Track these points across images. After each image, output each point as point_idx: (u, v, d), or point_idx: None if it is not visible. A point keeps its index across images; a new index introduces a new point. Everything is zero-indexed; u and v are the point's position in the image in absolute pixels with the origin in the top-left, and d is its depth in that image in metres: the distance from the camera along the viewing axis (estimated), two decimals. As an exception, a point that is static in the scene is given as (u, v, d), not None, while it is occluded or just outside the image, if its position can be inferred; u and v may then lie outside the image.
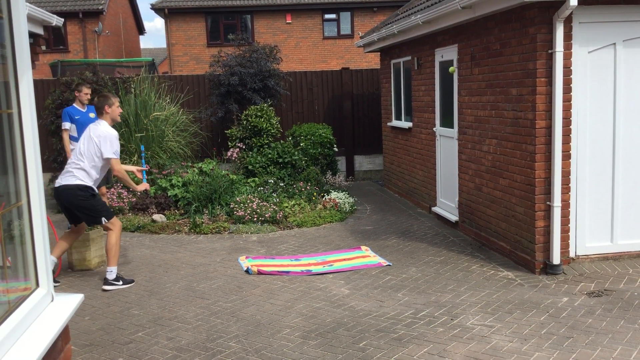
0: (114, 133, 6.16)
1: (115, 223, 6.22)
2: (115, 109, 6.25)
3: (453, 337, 4.64)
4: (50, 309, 2.42)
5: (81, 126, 8.04)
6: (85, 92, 8.22)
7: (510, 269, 6.33)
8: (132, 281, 6.30)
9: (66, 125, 8.20)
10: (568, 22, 5.89)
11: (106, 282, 6.18)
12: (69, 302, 2.50)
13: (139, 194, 9.55)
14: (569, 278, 5.95)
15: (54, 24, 8.06)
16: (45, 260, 2.47)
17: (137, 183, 7.08)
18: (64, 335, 2.50)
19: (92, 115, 8.21)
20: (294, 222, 8.69)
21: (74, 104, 8.30)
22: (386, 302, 5.47)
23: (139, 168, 6.83)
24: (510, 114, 6.48)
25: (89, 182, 6.05)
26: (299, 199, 9.45)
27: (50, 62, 16.83)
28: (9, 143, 2.39)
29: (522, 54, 6.17)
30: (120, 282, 6.21)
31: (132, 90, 10.94)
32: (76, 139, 8.05)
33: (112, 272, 6.19)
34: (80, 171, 6.04)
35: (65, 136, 8.24)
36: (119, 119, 6.43)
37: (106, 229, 6.23)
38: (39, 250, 2.45)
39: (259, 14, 23.45)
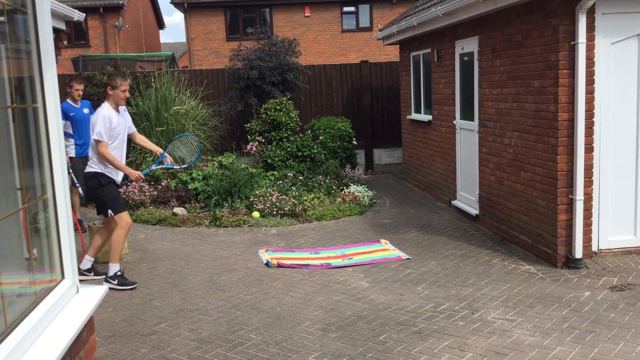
0: (105, 113, 5.81)
1: (123, 218, 5.96)
2: (118, 92, 5.88)
3: (473, 331, 4.62)
4: (75, 300, 2.46)
5: (76, 123, 7.99)
6: (76, 88, 8.04)
7: (532, 263, 6.28)
8: (132, 284, 5.95)
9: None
10: (591, 13, 5.80)
11: (105, 278, 6.03)
12: (94, 294, 2.54)
13: (159, 187, 9.64)
14: (591, 272, 5.89)
15: (75, 19, 8.14)
16: (70, 251, 2.51)
17: (153, 162, 6.76)
18: (89, 326, 2.54)
19: (86, 110, 8.15)
20: (313, 216, 8.70)
21: (67, 100, 8.05)
22: (406, 296, 5.47)
23: (159, 149, 6.43)
24: (532, 107, 6.41)
25: (99, 169, 5.90)
26: (318, 193, 9.47)
27: (72, 57, 17.02)
28: (35, 137, 2.43)
29: (544, 45, 6.09)
30: (115, 282, 5.92)
31: (153, 84, 11.03)
32: (71, 136, 8.02)
33: (111, 269, 5.97)
34: (93, 158, 5.94)
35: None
36: (123, 103, 6.02)
37: (111, 223, 6.06)
38: (64, 242, 2.49)
39: (277, 7, 23.45)
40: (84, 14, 8.69)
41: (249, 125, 11.58)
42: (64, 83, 11.70)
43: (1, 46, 2.41)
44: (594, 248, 6.18)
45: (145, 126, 10.49)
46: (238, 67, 12.04)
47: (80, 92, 8.10)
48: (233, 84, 12.11)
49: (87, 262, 6.31)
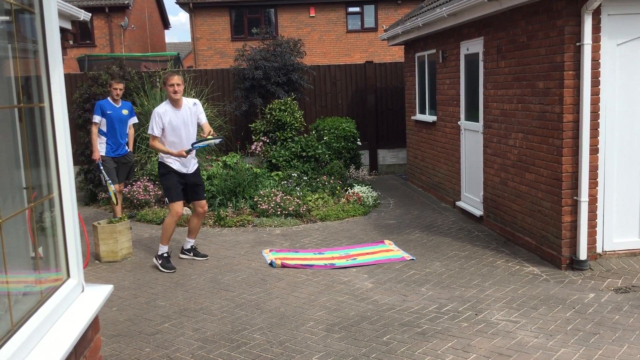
0: (158, 110, 6.33)
1: (174, 208, 6.48)
2: (167, 87, 6.33)
3: (477, 332, 4.62)
4: (80, 299, 2.47)
5: (111, 121, 7.95)
6: (115, 87, 7.98)
7: (536, 265, 6.28)
8: (172, 268, 6.47)
9: (96, 118, 7.92)
10: (597, 14, 5.79)
11: (155, 256, 6.73)
12: (99, 293, 2.55)
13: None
14: (595, 274, 5.87)
15: (81, 19, 8.16)
16: (76, 250, 2.53)
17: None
18: (94, 325, 2.55)
19: (125, 112, 8.10)
20: (318, 216, 8.71)
21: (108, 98, 8.09)
22: (410, 297, 5.47)
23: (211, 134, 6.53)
24: (537, 108, 6.40)
25: (160, 159, 6.53)
26: (323, 193, 9.47)
27: (77, 56, 17.07)
28: (41, 136, 2.44)
29: (550, 46, 6.08)
30: (160, 262, 6.55)
31: (158, 84, 11.05)
32: (104, 134, 7.99)
33: (159, 250, 6.61)
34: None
35: (94, 129, 7.97)
36: (173, 97, 6.30)
37: (196, 207, 6.74)
38: (70, 242, 2.50)
39: (282, 7, 23.47)
40: (90, 14, 8.72)
41: (253, 125, 11.60)
42: (70, 83, 11.78)
43: (8, 46, 2.43)
44: (599, 250, 6.16)
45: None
46: (243, 67, 12.06)
47: (119, 92, 8.02)
48: (238, 84, 12.13)
49: (187, 243, 6.93)
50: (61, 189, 2.44)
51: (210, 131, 6.52)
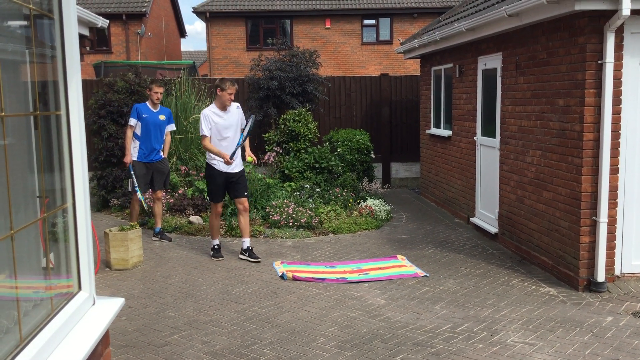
0: (205, 111, 6.94)
1: (214, 208, 7.26)
2: (224, 94, 6.88)
3: (493, 355, 4.51)
4: (91, 313, 2.41)
5: (146, 125, 7.79)
6: (155, 91, 7.84)
7: (552, 285, 6.15)
8: (220, 257, 7.22)
9: (132, 121, 7.79)
10: (619, 32, 5.70)
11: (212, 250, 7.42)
12: (110, 306, 2.48)
13: (176, 195, 9.64)
14: (613, 296, 5.74)
15: (99, 26, 8.16)
16: (88, 263, 2.47)
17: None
18: (104, 339, 2.49)
19: (162, 117, 7.94)
20: (330, 228, 8.63)
21: (147, 102, 7.97)
22: (423, 315, 5.37)
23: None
24: (556, 125, 6.30)
25: (209, 160, 7.03)
26: (335, 205, 9.39)
27: (93, 62, 17.17)
28: (57, 144, 2.39)
29: (571, 63, 6.00)
30: (212, 253, 7.33)
31: (173, 92, 11.05)
32: (138, 138, 7.82)
33: (212, 242, 7.35)
34: None
35: (129, 133, 7.83)
36: (227, 104, 6.94)
37: (238, 204, 7.24)
38: (82, 253, 2.45)
39: (298, 18, 23.52)
40: (108, 21, 8.72)
41: (267, 135, 11.57)
42: (86, 89, 11.82)
43: (26, 51, 2.39)
44: (617, 272, 6.03)
45: (164, 133, 10.49)
46: (258, 77, 12.04)
47: (160, 96, 7.90)
48: (252, 93, 12.12)
49: (244, 243, 7.27)
50: (75, 201, 2.39)
51: (249, 154, 7.22)
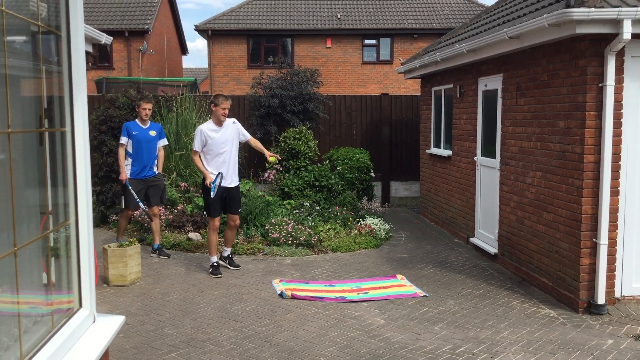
0: (201, 127, 7.12)
1: (210, 222, 7.30)
2: (218, 109, 7.05)
3: (493, 376, 4.47)
4: (92, 331, 2.39)
5: (138, 142, 7.79)
6: (144, 107, 7.86)
7: (552, 307, 6.12)
8: (219, 274, 7.20)
9: (122, 139, 7.80)
10: (620, 56, 5.74)
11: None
12: (111, 324, 2.47)
13: (175, 211, 9.62)
14: (613, 319, 5.72)
15: (102, 42, 8.21)
16: (89, 281, 2.46)
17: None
18: (104, 357, 2.47)
19: (152, 133, 7.93)
20: (329, 247, 8.61)
21: (136, 120, 7.99)
22: (423, 335, 5.33)
23: (266, 151, 7.40)
24: (557, 147, 6.32)
25: (209, 171, 7.10)
26: (334, 224, 9.38)
27: (95, 78, 17.24)
28: (61, 162, 2.39)
29: (571, 86, 6.03)
30: (210, 270, 7.30)
31: (174, 109, 11.09)
32: (130, 155, 7.83)
33: (210, 260, 7.36)
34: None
35: (121, 151, 7.84)
36: (222, 119, 7.08)
37: (229, 220, 7.44)
38: (84, 271, 2.44)
39: (299, 37, 23.69)
40: (111, 38, 8.77)
41: (267, 152, 11.57)
42: (87, 104, 11.84)
43: (32, 67, 2.40)
44: (617, 294, 6.01)
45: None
46: (259, 94, 12.10)
47: (148, 112, 7.90)
48: (253, 111, 12.16)
49: (225, 251, 7.62)
50: (78, 218, 2.38)
51: (269, 154, 7.36)
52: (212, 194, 7.00)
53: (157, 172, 8.11)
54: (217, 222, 7.30)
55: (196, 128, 10.76)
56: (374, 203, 11.24)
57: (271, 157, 7.32)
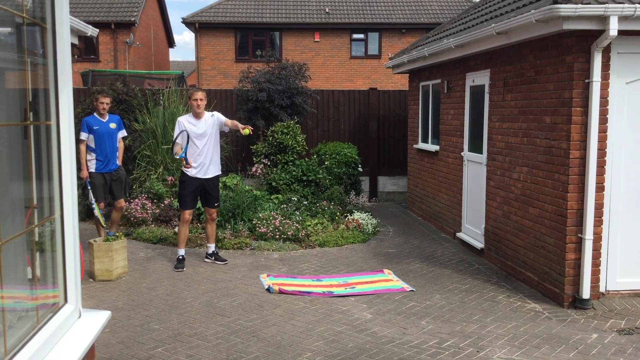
0: (180, 118, 7.28)
1: (182, 214, 7.35)
2: (190, 101, 7.23)
3: (479, 370, 4.51)
4: (77, 326, 2.37)
5: (99, 137, 7.69)
6: (101, 101, 7.77)
7: (538, 301, 6.17)
8: (181, 268, 7.24)
9: (83, 135, 7.65)
10: (606, 52, 5.78)
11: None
12: (96, 320, 2.45)
13: (162, 205, 9.57)
14: (598, 313, 5.77)
15: (89, 34, 8.13)
16: (75, 276, 2.43)
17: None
18: (90, 353, 2.45)
19: (112, 125, 7.84)
20: (316, 242, 8.61)
21: (94, 114, 7.87)
22: (410, 330, 5.35)
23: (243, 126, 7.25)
24: (543, 142, 6.36)
25: (183, 167, 7.19)
26: (322, 218, 9.38)
27: (81, 71, 17.07)
28: (46, 155, 2.36)
29: (558, 82, 6.07)
30: (176, 263, 7.34)
31: (161, 102, 11.01)
32: (93, 150, 7.73)
33: (177, 252, 7.42)
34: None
35: (82, 147, 7.63)
36: (197, 110, 7.18)
37: (207, 213, 7.51)
38: (69, 266, 2.41)
39: (287, 31, 23.60)
40: (97, 30, 8.67)
41: (255, 147, 11.54)
42: (73, 97, 11.72)
43: (16, 59, 2.36)
44: (602, 289, 6.07)
45: (151, 143, 10.45)
46: (247, 88, 12.05)
47: (106, 106, 7.80)
48: (241, 105, 12.11)
49: (209, 248, 7.65)
50: (63, 212, 2.36)
51: (242, 127, 7.21)
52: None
53: (119, 165, 8.04)
54: (187, 214, 7.33)
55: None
56: (361, 198, 11.25)
57: (244, 129, 7.20)
